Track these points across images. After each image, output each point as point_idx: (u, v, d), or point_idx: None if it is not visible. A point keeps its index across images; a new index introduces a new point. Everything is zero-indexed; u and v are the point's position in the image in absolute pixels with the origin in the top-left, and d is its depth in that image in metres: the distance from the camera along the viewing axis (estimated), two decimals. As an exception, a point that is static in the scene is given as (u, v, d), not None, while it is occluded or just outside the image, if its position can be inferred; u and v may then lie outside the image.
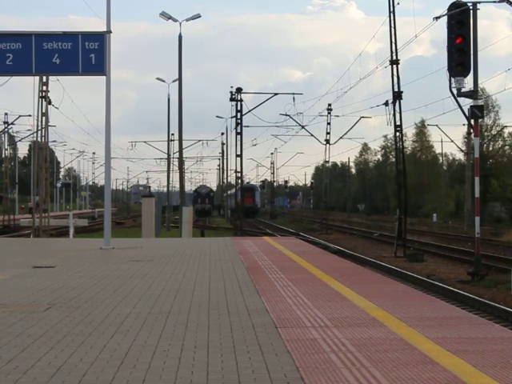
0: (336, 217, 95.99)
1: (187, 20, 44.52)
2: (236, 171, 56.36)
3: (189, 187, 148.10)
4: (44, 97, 43.69)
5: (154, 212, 39.93)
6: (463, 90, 23.75)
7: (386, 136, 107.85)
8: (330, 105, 63.12)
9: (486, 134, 79.66)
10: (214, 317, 9.94)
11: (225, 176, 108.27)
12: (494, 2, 25.83)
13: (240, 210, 55.05)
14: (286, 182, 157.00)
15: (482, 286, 22.82)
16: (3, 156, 76.25)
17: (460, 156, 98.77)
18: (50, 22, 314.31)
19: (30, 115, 54.89)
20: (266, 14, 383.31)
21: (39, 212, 44.26)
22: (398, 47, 34.29)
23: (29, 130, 71.52)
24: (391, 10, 34.40)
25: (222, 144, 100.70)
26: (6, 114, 64.18)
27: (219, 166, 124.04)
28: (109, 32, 23.34)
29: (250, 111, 53.29)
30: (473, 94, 24.22)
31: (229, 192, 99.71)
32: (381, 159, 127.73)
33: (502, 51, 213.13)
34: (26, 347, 7.96)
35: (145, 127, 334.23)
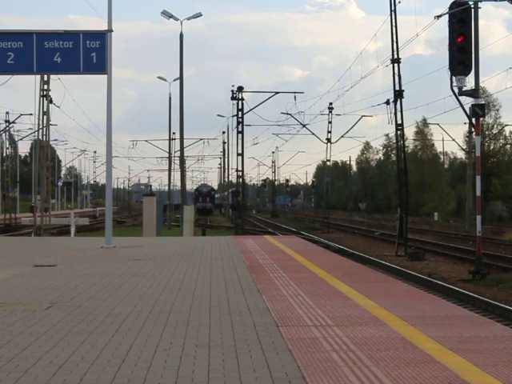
0: (337, 215, 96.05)
1: (188, 19, 44.61)
2: (237, 170, 56.35)
3: (190, 186, 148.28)
4: (45, 96, 43.71)
5: (155, 211, 39.95)
6: (464, 88, 23.75)
7: (387, 135, 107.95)
8: (331, 103, 63.23)
9: (487, 132, 79.62)
10: (215, 315, 9.94)
11: (226, 175, 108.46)
12: (495, 0, 25.81)
13: (241, 208, 55.07)
14: (287, 180, 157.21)
15: (483, 285, 22.81)
16: (4, 155, 76.17)
17: (461, 155, 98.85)
18: (50, 21, 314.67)
19: (31, 114, 54.98)
20: (267, 12, 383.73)
21: (43, 210, 44.29)
22: (398, 46, 34.31)
23: (30, 128, 71.66)
24: (392, 8, 34.40)
25: (223, 143, 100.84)
26: (7, 112, 64.27)
27: (220, 164, 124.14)
28: (110, 31, 23.33)
29: (251, 110, 53.30)
30: (474, 92, 24.22)
31: (226, 193, 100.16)
32: (382, 158, 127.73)
33: (499, 50, 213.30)
34: (27, 346, 7.96)
35: (146, 126, 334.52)
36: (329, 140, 64.30)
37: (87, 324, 9.30)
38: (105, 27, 23.56)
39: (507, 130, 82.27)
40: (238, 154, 53.58)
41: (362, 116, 62.96)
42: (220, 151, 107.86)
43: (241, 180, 56.17)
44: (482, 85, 68.45)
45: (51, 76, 41.62)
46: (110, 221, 24.14)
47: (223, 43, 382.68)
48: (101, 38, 22.95)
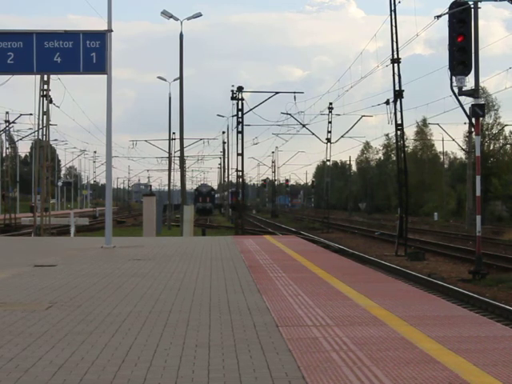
0: (337, 215, 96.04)
1: (188, 19, 44.61)
2: (237, 170, 56.35)
3: (190, 186, 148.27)
4: (45, 96, 43.71)
5: (155, 211, 39.94)
6: (464, 88, 23.76)
7: (387, 135, 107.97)
8: (331, 103, 63.25)
9: (487, 132, 79.63)
10: (215, 315, 9.94)
11: (226, 175, 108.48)
12: (495, 0, 25.80)
13: (241, 208, 55.05)
14: (287, 180, 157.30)
15: (483, 285, 22.82)
16: (4, 155, 76.17)
17: (461, 155, 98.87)
18: (50, 21, 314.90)
19: (31, 114, 54.97)
20: (267, 12, 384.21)
21: (41, 210, 44.28)
22: (398, 46, 34.31)
23: (30, 128, 71.64)
24: (392, 8, 34.40)
25: (223, 143, 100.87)
26: (7, 112, 64.24)
27: (220, 164, 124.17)
28: (110, 31, 23.33)
29: (250, 110, 53.30)
30: (474, 92, 24.22)
31: (226, 193, 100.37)
32: (382, 158, 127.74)
33: (499, 50, 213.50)
34: (27, 346, 7.96)
35: (145, 126, 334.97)
36: (329, 140, 64.31)
37: (87, 324, 9.30)
38: (105, 27, 23.57)
39: (507, 130, 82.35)
40: (238, 154, 53.58)
41: (362, 116, 63.04)
42: (220, 151, 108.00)
43: (241, 180, 56.16)
44: (481, 85, 68.50)
45: (51, 76, 41.64)
46: (110, 221, 24.14)
47: (223, 43, 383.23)
48: (101, 38, 22.95)
